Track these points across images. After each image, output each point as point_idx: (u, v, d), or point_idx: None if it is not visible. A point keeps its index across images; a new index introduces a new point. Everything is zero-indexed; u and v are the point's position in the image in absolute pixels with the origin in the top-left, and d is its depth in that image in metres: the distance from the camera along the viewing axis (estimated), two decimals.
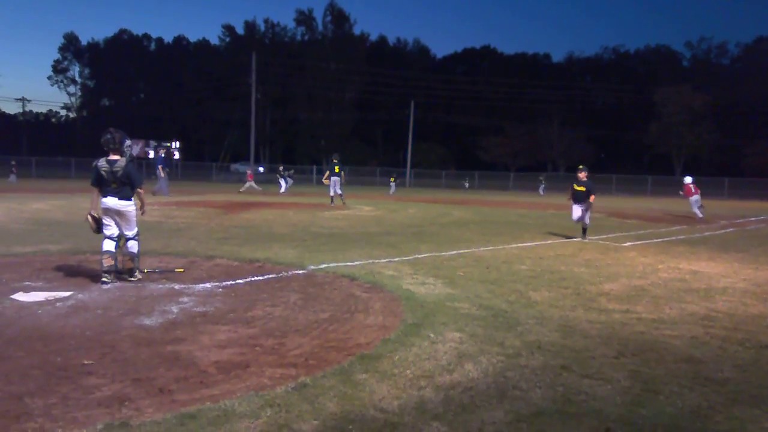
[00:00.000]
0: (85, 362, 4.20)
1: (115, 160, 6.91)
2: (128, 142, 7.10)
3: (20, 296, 6.15)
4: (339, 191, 24.12)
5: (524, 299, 6.77)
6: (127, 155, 7.03)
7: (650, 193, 49.98)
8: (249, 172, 38.83)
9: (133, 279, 7.02)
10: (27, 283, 6.83)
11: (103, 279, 6.86)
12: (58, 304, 5.93)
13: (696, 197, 21.37)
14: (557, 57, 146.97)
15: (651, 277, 8.56)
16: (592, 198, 12.69)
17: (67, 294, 6.28)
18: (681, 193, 22.43)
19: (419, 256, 9.87)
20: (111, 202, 6.91)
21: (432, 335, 5.09)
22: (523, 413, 3.56)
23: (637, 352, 4.84)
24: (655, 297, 7.10)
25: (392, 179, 44.98)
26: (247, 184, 35.80)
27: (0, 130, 66.99)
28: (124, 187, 6.93)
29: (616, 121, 78.92)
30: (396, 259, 9.31)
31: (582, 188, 12.69)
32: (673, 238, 14.35)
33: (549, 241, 12.72)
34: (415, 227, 15.34)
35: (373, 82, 77.46)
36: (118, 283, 6.85)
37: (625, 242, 12.97)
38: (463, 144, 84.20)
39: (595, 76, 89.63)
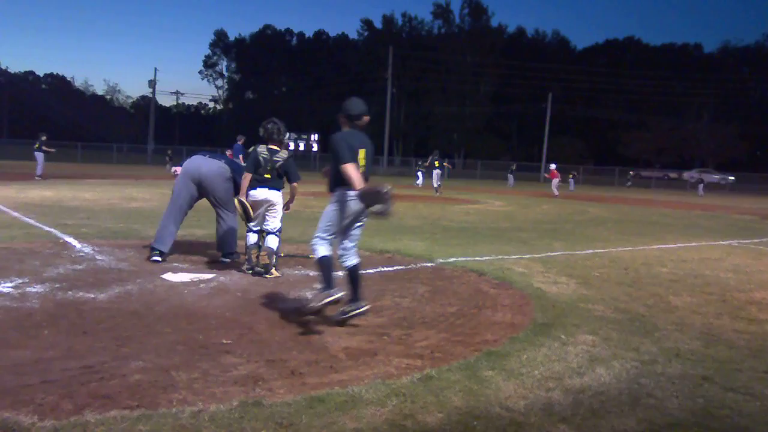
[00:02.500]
0: (224, 341, 4.45)
1: (276, 150, 6.86)
2: (288, 134, 7.23)
3: (169, 276, 6.62)
4: (438, 183, 28.21)
5: (663, 304, 6.40)
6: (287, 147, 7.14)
7: None
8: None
9: (269, 276, 6.83)
10: (175, 264, 7.34)
11: (250, 272, 6.91)
12: (201, 285, 6.33)
13: (557, 180, 30.38)
14: (710, 47, 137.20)
15: None
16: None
17: (210, 276, 6.68)
18: (546, 175, 31.35)
19: (552, 254, 9.60)
20: (261, 193, 6.77)
21: (563, 336, 4.93)
22: (657, 423, 3.37)
23: None
24: None
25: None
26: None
27: (157, 121, 72.55)
28: (278, 179, 6.86)
29: None
30: (527, 256, 9.11)
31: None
32: None
33: (693, 243, 11.94)
34: (548, 224, 14.95)
35: (509, 75, 76.01)
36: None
37: None
38: (602, 139, 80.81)
39: (753, 67, 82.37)
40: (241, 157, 24.45)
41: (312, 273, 7.11)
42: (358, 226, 5.35)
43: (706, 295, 6.96)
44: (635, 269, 8.52)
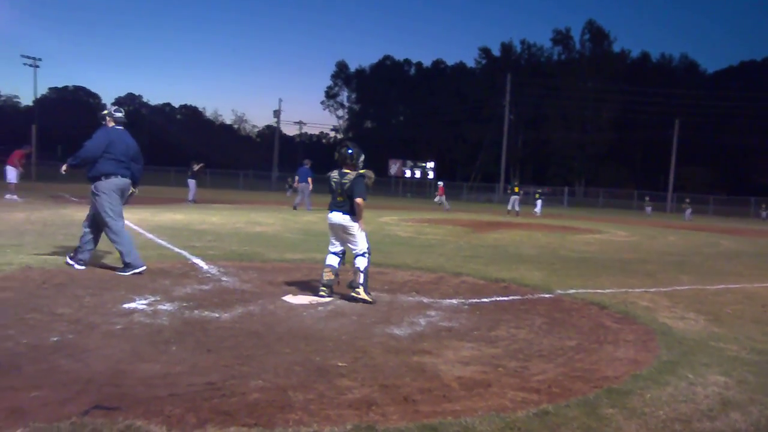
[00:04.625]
0: (340, 364, 4.52)
1: (346, 173, 6.82)
2: (363, 157, 6.97)
3: (289, 298, 6.83)
4: (517, 208, 32.19)
5: None
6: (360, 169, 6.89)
7: None
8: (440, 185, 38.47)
9: (355, 294, 6.73)
10: (295, 287, 7.56)
11: (321, 292, 6.90)
12: (319, 308, 6.47)
13: (442, 197, 35.31)
14: None
15: None
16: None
17: (328, 299, 6.83)
18: (436, 192, 36.88)
19: (679, 288, 9.08)
20: (335, 217, 6.86)
21: (690, 376, 4.62)
22: None
23: None
24: None
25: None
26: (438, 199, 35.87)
27: (281, 150, 75.88)
28: (349, 200, 6.78)
29: None
30: (652, 290, 8.66)
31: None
32: None
33: None
34: (675, 256, 14.17)
35: (633, 101, 73.27)
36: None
37: None
38: (735, 167, 76.04)
39: None
40: (310, 180, 25.16)
41: (426, 300, 7.11)
42: None
43: None
44: None
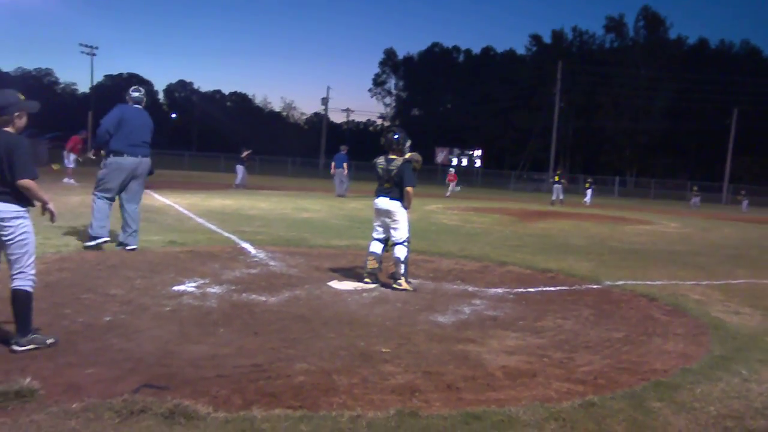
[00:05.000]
0: (383, 350, 4.54)
1: (393, 159, 6.80)
2: (409, 142, 6.96)
3: (335, 284, 6.89)
4: (561, 197, 30.97)
5: None
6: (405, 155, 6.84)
7: None
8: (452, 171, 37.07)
9: (396, 286, 6.73)
10: (341, 272, 7.62)
11: (365, 279, 6.94)
12: (364, 294, 6.52)
13: (453, 183, 34.15)
14: None
15: None
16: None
17: (372, 286, 6.85)
18: (448, 178, 35.12)
19: (733, 281, 8.82)
20: (381, 202, 6.85)
21: (744, 372, 4.49)
22: None
23: None
24: None
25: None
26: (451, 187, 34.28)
27: (329, 137, 76.26)
28: (396, 187, 6.77)
29: None
30: (704, 283, 8.43)
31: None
32: None
33: None
34: (730, 249, 13.76)
35: (688, 89, 70.91)
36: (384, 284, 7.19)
37: None
38: None
39: None
40: (345, 165, 25.02)
41: (471, 288, 7.07)
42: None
43: None
44: None
